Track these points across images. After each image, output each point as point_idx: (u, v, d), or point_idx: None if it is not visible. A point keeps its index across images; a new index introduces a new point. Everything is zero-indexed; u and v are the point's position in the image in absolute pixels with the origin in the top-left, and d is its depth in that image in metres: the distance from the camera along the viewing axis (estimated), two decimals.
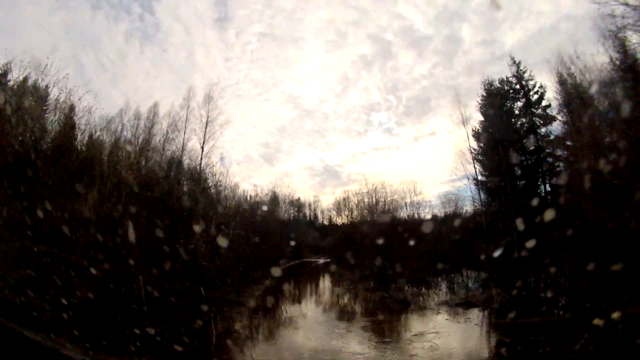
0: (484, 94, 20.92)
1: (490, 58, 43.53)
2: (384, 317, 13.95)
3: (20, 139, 9.79)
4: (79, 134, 15.16)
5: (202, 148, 24.01)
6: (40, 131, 12.00)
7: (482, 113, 20.94)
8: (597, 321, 5.64)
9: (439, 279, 19.31)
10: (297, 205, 41.22)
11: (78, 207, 8.62)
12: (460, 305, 14.71)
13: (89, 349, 5.89)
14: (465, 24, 50.04)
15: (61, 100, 13.61)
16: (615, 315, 5.63)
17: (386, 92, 58.76)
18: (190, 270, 11.83)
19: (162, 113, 23.46)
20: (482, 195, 20.34)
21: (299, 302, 18.82)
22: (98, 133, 16.63)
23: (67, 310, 6.55)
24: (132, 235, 7.24)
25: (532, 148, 19.10)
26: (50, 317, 6.25)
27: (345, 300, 18.68)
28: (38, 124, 11.87)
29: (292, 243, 32.34)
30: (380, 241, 17.81)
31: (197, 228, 13.72)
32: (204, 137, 24.05)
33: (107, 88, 34.88)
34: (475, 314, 13.81)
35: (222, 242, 14.91)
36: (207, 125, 24.19)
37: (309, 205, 44.17)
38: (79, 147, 14.30)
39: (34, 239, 6.80)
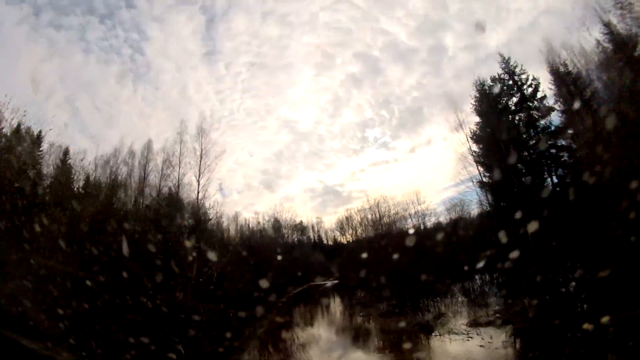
0: (477, 95, 20.62)
1: (476, 62, 44.67)
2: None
3: (15, 184, 10.01)
4: (75, 177, 15.47)
5: (198, 181, 23.86)
6: (36, 176, 12.20)
7: (477, 113, 20.58)
8: None
9: (455, 289, 18.43)
10: (300, 228, 40.84)
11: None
12: (491, 324, 12.51)
13: (84, 357, 5.87)
14: (447, 32, 51.81)
15: (55, 145, 14.26)
16: None
17: (378, 107, 60.21)
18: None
19: (157, 149, 24.03)
20: (488, 197, 19.84)
21: (310, 342, 15.61)
22: (93, 175, 17.25)
23: (64, 320, 6.55)
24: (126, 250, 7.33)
25: (533, 142, 18.70)
26: (47, 326, 6.25)
27: (362, 333, 16.28)
28: (33, 168, 12.09)
29: (298, 271, 31.38)
30: (387, 257, 17.59)
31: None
32: (199, 171, 23.92)
33: (102, 129, 36.03)
34: (510, 333, 11.45)
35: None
36: (201, 158, 24.12)
37: (312, 227, 43.78)
38: (76, 190, 14.63)
39: (32, 252, 6.93)
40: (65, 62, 40.79)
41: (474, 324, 13.02)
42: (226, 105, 55.10)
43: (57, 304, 6.53)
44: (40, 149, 14.73)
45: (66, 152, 14.63)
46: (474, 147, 20.58)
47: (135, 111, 47.68)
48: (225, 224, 28.34)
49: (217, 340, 10.49)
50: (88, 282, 6.90)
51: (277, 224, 34.13)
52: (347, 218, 35.19)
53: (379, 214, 28.51)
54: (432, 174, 49.41)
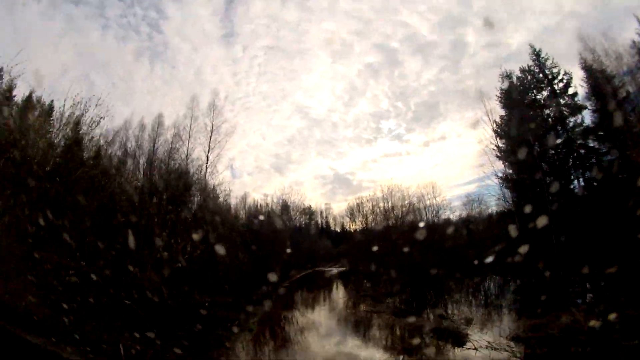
0: (503, 87, 19.60)
1: (496, 60, 43.77)
2: None
3: (24, 152, 9.83)
4: (86, 148, 14.93)
5: (207, 157, 23.29)
6: (46, 145, 11.96)
7: (503, 106, 19.60)
8: None
9: (476, 288, 16.95)
10: (309, 213, 39.77)
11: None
12: (542, 342, 8.82)
13: (89, 352, 5.68)
14: (469, 28, 49.32)
15: (66, 115, 14.05)
16: None
17: (394, 99, 58.46)
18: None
19: (168, 125, 22.89)
20: (509, 193, 19.19)
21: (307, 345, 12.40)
22: (104, 145, 16.68)
23: (68, 315, 6.40)
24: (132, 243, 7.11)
25: (561, 140, 17.81)
26: (51, 321, 6.10)
27: (373, 336, 13.04)
28: (43, 138, 11.97)
29: (304, 255, 30.42)
30: (398, 248, 16.68)
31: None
32: (209, 146, 23.32)
33: (118, 106, 35.68)
34: None
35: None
36: (211, 133, 23.55)
37: (321, 212, 43.05)
38: (86, 160, 14.30)
39: (35, 245, 6.75)
40: (83, 38, 40.22)
41: (517, 338, 9.65)
42: (241, 88, 54.49)
43: (61, 298, 6.34)
44: (51, 118, 14.43)
45: (77, 122, 14.29)
46: (497, 142, 19.72)
47: (151, 89, 46.92)
48: (233, 203, 27.74)
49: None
50: (93, 276, 6.73)
51: (285, 206, 33.59)
52: (357, 204, 33.92)
53: (392, 203, 27.71)
54: (445, 170, 48.00)
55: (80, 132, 14.45)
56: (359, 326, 14.56)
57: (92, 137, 15.51)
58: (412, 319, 13.19)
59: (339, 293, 24.95)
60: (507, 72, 19.91)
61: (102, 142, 16.85)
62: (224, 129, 24.23)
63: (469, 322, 11.99)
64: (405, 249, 16.28)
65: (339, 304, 20.82)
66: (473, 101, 43.88)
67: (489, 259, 13.40)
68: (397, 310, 15.07)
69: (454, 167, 48.74)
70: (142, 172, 19.51)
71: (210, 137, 23.46)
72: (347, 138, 55.96)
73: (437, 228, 20.98)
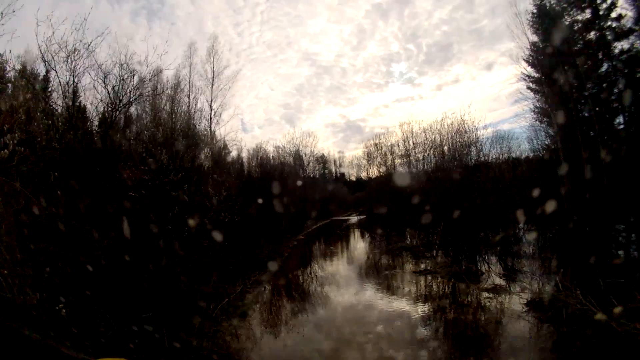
0: (535, 10, 17.39)
1: None
2: None
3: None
4: (88, 115, 13.99)
5: (211, 106, 22.22)
6: (46, 115, 11.25)
7: (536, 31, 17.53)
8: None
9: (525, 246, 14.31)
10: (322, 162, 38.95)
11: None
12: None
13: (87, 347, 5.63)
14: None
15: (63, 83, 13.27)
16: None
17: (405, 41, 54.54)
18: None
19: (169, 77, 21.86)
20: (545, 132, 17.62)
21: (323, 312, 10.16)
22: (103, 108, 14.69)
23: (66, 309, 6.42)
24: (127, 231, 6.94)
25: (605, 69, 15.61)
26: (49, 315, 6.12)
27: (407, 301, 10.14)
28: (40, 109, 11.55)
29: (320, 205, 29.13)
30: (428, 193, 15.64)
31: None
32: (212, 94, 22.11)
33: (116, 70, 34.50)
34: None
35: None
36: (213, 81, 22.25)
37: (334, 161, 42.31)
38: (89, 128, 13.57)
39: (31, 237, 6.68)
40: (76, 7, 38.13)
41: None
42: (245, 39, 51.94)
43: (58, 291, 6.34)
44: (49, 89, 13.89)
45: (75, 91, 13.67)
46: (530, 71, 18.02)
47: (150, 49, 45.42)
48: (245, 157, 26.86)
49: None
50: (89, 267, 6.69)
51: (297, 156, 32.30)
52: (375, 145, 31.03)
53: (413, 142, 26.14)
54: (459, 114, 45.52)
55: (79, 100, 14.04)
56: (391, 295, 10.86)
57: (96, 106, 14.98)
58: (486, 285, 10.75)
59: (358, 247, 22.37)
60: None
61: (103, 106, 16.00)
62: (226, 75, 23.21)
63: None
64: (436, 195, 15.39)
65: (362, 268, 15.83)
66: (489, 41, 40.31)
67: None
68: (453, 271, 12.13)
69: (470, 110, 46.38)
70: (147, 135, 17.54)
71: (212, 84, 22.36)
72: (357, 84, 54.13)
73: (466, 170, 17.98)
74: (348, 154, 52.71)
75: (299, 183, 26.49)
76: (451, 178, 16.03)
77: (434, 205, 14.69)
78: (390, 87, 52.11)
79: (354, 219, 33.09)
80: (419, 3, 52.48)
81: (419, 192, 17.53)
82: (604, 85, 15.63)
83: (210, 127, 22.08)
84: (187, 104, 21.00)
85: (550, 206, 9.99)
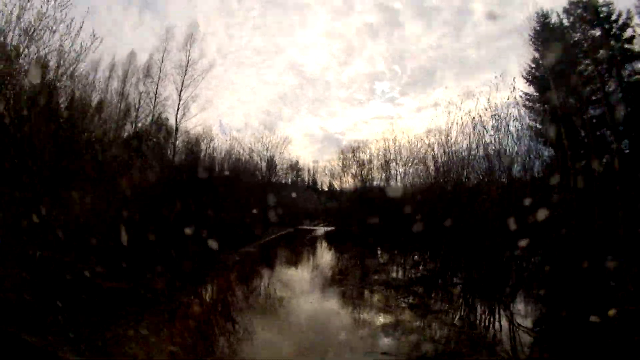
0: (537, 27, 16.99)
1: (501, 33, 41.53)
2: None
3: None
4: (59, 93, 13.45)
5: (180, 96, 20.63)
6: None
7: (536, 48, 17.14)
8: None
9: None
10: (296, 169, 38.07)
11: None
12: None
13: (84, 350, 5.76)
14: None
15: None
16: None
17: (391, 61, 55.58)
18: None
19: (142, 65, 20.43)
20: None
21: None
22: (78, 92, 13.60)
23: (63, 313, 6.54)
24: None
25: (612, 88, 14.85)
26: (47, 319, 6.26)
27: None
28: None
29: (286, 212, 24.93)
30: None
31: None
32: (182, 83, 20.51)
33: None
34: None
35: None
36: (186, 70, 20.71)
37: (308, 170, 41.19)
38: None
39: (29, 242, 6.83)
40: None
41: None
42: (234, 42, 52.37)
43: (56, 296, 6.50)
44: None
45: (45, 66, 12.67)
46: (525, 90, 17.27)
47: (141, 43, 47.50)
48: (219, 157, 24.55)
49: None
50: (87, 273, 6.83)
51: (271, 161, 31.16)
52: (353, 150, 27.93)
53: (395, 151, 23.85)
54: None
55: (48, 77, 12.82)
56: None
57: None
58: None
59: (324, 260, 17.41)
60: (542, 12, 16.97)
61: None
62: (202, 65, 21.45)
63: None
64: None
65: (323, 283, 11.99)
66: (472, 70, 40.99)
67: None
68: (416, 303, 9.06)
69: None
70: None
71: (185, 72, 20.87)
72: (340, 98, 55.23)
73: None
74: (322, 163, 53.54)
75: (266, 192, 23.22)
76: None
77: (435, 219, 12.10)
78: (371, 104, 53.47)
79: (320, 229, 30.65)
80: (408, 27, 54.57)
81: (414, 204, 15.19)
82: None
83: (177, 118, 20.63)
84: (155, 91, 19.88)
85: None
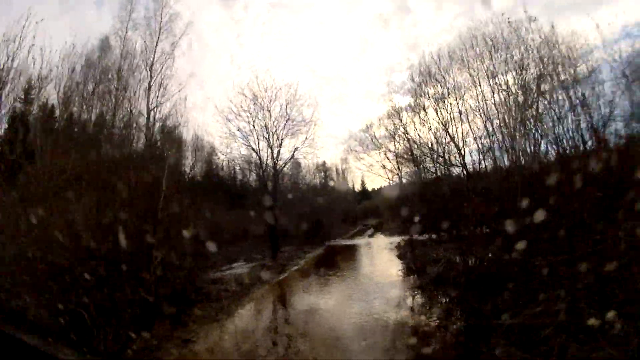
0: None
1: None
2: None
3: None
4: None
5: (151, 72, 17.49)
6: None
7: None
8: None
9: None
10: (324, 170, 35.68)
11: None
12: None
13: (86, 353, 5.73)
14: None
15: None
16: None
17: (406, 50, 56.95)
18: None
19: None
20: None
21: None
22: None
23: (64, 315, 6.47)
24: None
25: None
26: (47, 322, 6.20)
27: None
28: None
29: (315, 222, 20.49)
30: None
31: None
32: (154, 55, 17.46)
33: None
34: None
35: None
36: (158, 38, 17.86)
37: (336, 169, 39.95)
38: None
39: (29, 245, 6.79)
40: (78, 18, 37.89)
41: None
42: (246, 50, 53.63)
43: (57, 299, 6.46)
44: None
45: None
46: None
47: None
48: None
49: None
50: (87, 276, 6.81)
51: (296, 165, 28.54)
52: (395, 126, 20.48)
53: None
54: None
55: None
56: None
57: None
58: None
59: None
60: None
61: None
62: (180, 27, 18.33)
63: None
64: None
65: None
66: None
67: None
68: None
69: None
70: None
71: (157, 44, 17.93)
72: (359, 94, 55.01)
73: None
74: (352, 164, 52.81)
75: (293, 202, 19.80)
76: None
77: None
78: (394, 98, 54.17)
79: (367, 235, 24.18)
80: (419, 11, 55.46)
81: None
82: None
83: (148, 99, 17.34)
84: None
85: None
